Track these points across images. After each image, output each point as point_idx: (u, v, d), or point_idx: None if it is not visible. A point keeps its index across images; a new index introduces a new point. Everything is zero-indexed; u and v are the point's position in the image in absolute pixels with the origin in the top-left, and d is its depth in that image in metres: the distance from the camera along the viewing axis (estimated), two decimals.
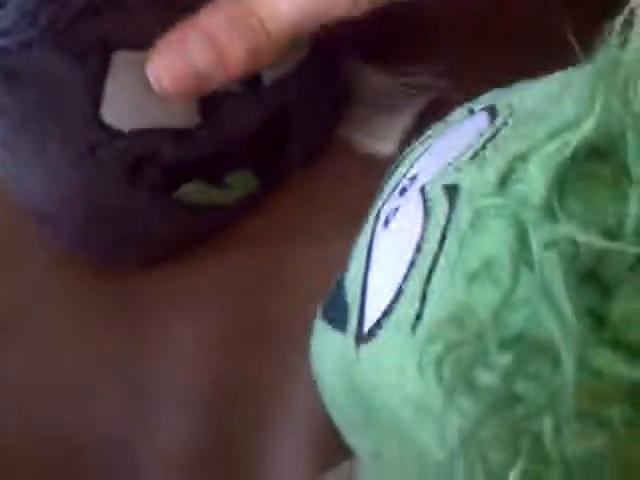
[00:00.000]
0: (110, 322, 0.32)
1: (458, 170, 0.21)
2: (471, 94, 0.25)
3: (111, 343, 0.32)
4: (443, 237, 0.20)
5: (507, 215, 0.19)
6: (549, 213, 0.18)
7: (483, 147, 0.21)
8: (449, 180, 0.21)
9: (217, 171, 0.31)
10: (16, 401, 0.31)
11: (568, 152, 0.18)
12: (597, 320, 0.17)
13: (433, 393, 0.19)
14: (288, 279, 0.32)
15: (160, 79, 0.28)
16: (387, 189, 0.24)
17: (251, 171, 0.32)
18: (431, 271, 0.20)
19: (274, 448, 0.29)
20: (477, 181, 0.20)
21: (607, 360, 0.17)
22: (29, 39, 0.29)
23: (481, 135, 0.21)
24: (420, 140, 0.25)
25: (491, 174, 0.19)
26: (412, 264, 0.20)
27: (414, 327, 0.20)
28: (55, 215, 0.31)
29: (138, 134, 0.29)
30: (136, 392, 0.31)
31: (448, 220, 0.20)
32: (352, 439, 0.24)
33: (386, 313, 0.21)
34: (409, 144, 0.25)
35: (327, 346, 0.24)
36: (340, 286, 0.24)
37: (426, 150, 0.23)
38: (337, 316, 0.23)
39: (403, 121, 0.34)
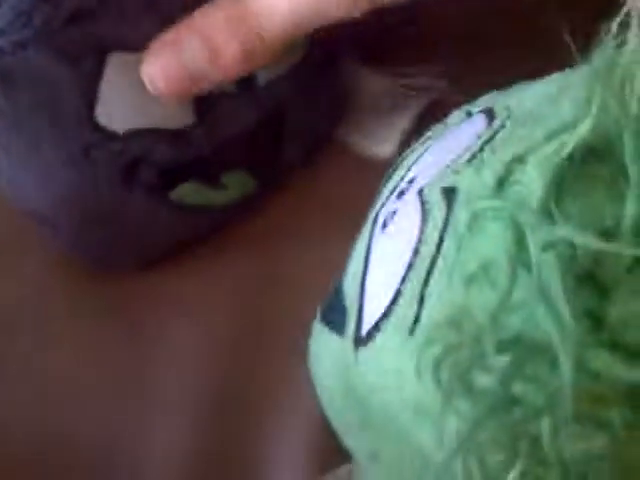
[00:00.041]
0: (107, 324, 0.32)
1: (456, 173, 0.21)
2: (470, 96, 0.25)
3: (108, 345, 0.32)
4: (441, 240, 0.20)
5: (504, 217, 0.19)
6: (546, 215, 0.18)
7: (481, 149, 0.21)
8: (447, 183, 0.21)
9: (213, 171, 0.31)
10: (13, 400, 0.31)
11: (565, 154, 0.18)
12: (595, 322, 0.18)
13: (431, 395, 0.19)
14: (286, 281, 0.32)
15: (155, 80, 0.28)
16: (385, 192, 0.24)
17: (248, 171, 0.32)
18: (429, 274, 0.20)
19: (272, 451, 0.29)
20: (474, 183, 0.20)
21: (605, 362, 0.17)
22: (24, 39, 0.28)
23: (479, 137, 0.21)
24: (419, 142, 0.25)
25: (488, 176, 0.19)
26: (410, 267, 0.20)
27: (412, 330, 0.20)
28: (52, 216, 0.31)
29: (133, 135, 0.29)
30: (133, 394, 0.31)
31: (446, 223, 0.20)
32: (350, 441, 0.24)
33: (384, 316, 0.21)
34: (408, 146, 0.25)
35: (325, 348, 0.24)
36: (338, 289, 0.24)
37: (424, 153, 0.23)
38: (335, 318, 0.23)
39: (402, 123, 0.34)
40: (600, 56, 0.19)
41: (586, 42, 0.19)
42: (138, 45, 0.28)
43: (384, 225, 0.22)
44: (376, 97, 0.35)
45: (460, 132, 0.23)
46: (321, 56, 0.32)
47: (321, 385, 0.24)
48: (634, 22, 0.19)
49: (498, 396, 0.18)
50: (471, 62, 0.33)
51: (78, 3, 0.28)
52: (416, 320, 0.20)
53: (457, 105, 0.25)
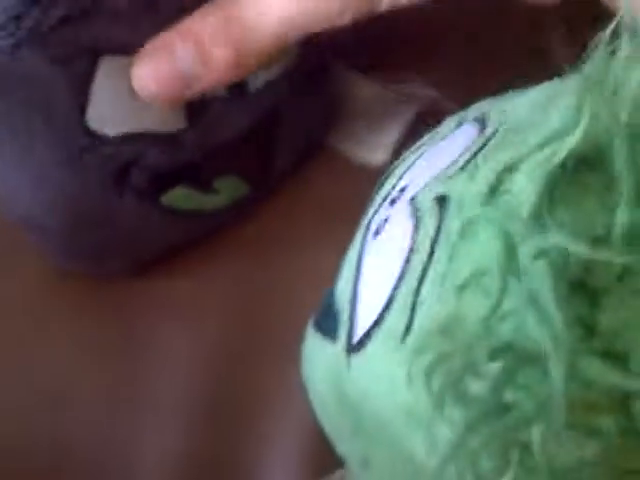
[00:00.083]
0: (99, 328, 0.32)
1: (448, 181, 0.21)
2: (462, 103, 0.25)
3: (101, 349, 0.32)
4: (432, 248, 0.20)
5: (496, 225, 0.19)
6: (538, 222, 0.18)
7: (473, 157, 0.21)
8: (439, 190, 0.21)
9: (204, 176, 0.31)
10: (10, 406, 0.31)
11: (557, 162, 0.18)
12: (586, 329, 0.18)
13: (423, 403, 0.19)
14: (279, 287, 0.32)
15: (145, 83, 0.28)
16: (378, 199, 0.24)
17: (239, 176, 0.32)
18: (421, 281, 0.20)
19: (266, 457, 0.29)
20: (466, 191, 0.20)
21: (597, 370, 0.17)
22: (18, 41, 0.28)
23: (471, 145, 0.21)
24: (411, 150, 0.25)
25: (480, 184, 0.19)
26: (402, 274, 0.20)
27: (404, 337, 0.20)
28: (43, 220, 0.30)
29: (124, 139, 0.29)
30: (126, 398, 0.31)
31: (438, 231, 0.20)
32: (342, 447, 0.24)
33: (376, 323, 0.21)
34: (400, 153, 0.25)
35: (318, 355, 0.24)
36: (331, 296, 0.24)
37: (416, 160, 0.23)
38: (328, 325, 0.23)
39: (394, 130, 0.34)
40: (591, 64, 0.19)
41: (578, 50, 0.20)
42: (133, 48, 0.28)
43: (376, 232, 0.22)
44: (368, 104, 0.35)
45: (452, 140, 0.23)
46: (313, 62, 0.32)
47: (314, 391, 0.24)
48: (625, 31, 0.19)
49: (490, 403, 0.18)
50: (463, 69, 0.33)
51: (68, 9, 0.28)
52: (408, 328, 0.20)
53: (449, 112, 0.25)
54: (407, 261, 0.20)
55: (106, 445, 0.30)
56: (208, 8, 0.28)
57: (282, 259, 0.32)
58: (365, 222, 0.24)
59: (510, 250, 0.18)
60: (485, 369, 0.18)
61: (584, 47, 0.19)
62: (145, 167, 0.30)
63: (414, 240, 0.21)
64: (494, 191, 0.19)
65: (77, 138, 0.29)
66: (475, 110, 0.24)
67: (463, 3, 0.28)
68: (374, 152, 0.34)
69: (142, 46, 0.28)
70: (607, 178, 0.18)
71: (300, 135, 0.33)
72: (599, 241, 0.18)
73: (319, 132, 0.34)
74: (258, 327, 0.31)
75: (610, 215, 0.18)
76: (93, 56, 0.29)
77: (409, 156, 0.24)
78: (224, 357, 0.31)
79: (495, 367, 0.18)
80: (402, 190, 0.23)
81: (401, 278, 0.20)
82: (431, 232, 0.20)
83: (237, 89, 0.30)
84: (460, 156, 0.21)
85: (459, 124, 0.24)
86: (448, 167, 0.21)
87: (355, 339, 0.21)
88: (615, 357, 0.17)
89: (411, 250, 0.21)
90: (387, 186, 0.24)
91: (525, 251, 0.18)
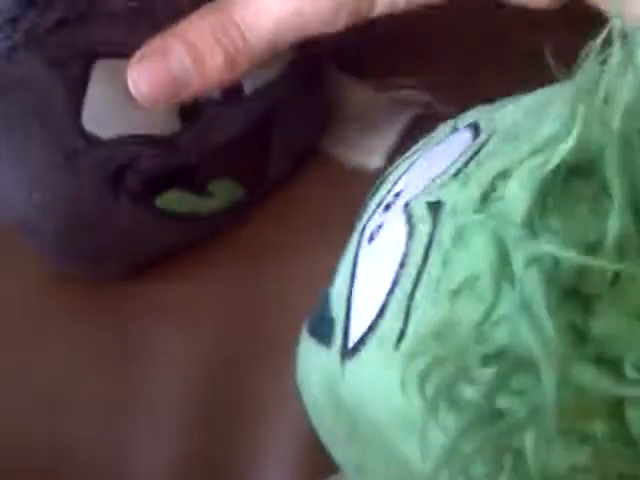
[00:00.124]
0: (94, 331, 0.32)
1: (441, 187, 0.21)
2: (457, 108, 0.25)
3: (100, 353, 0.32)
4: (426, 254, 0.20)
5: (489, 232, 0.19)
6: (530, 230, 0.18)
7: (466, 164, 0.21)
8: (432, 197, 0.21)
9: (199, 179, 0.31)
10: (8, 408, 0.31)
11: (549, 169, 0.18)
12: (579, 336, 0.18)
13: (417, 409, 0.19)
14: (273, 291, 0.32)
15: (139, 86, 0.28)
16: (372, 205, 0.24)
17: (234, 180, 0.32)
18: (415, 287, 0.20)
19: (261, 460, 0.29)
20: (460, 198, 0.20)
21: (590, 376, 0.17)
22: (14, 44, 0.29)
23: (465, 152, 0.21)
24: (405, 156, 0.25)
25: (474, 191, 0.20)
26: (396, 280, 0.21)
27: (398, 343, 0.20)
28: (38, 223, 0.30)
29: (119, 142, 0.29)
30: (124, 402, 0.31)
31: (431, 237, 0.20)
32: (337, 453, 0.24)
33: (370, 329, 0.21)
34: (395, 158, 0.25)
35: (312, 361, 0.24)
36: (325, 301, 0.24)
37: (410, 167, 0.24)
38: (322, 331, 0.23)
39: (389, 134, 0.34)
40: (583, 73, 0.19)
41: (570, 59, 0.20)
42: (129, 50, 0.28)
43: (371, 238, 0.23)
44: (362, 108, 0.35)
45: (446, 146, 0.23)
46: (307, 66, 0.32)
47: (308, 397, 0.24)
48: (617, 40, 0.19)
49: (483, 409, 0.18)
50: (458, 73, 0.33)
51: (64, 11, 0.28)
52: (402, 333, 0.20)
53: (444, 118, 0.25)
54: (401, 266, 0.21)
55: (103, 447, 0.30)
56: (205, 10, 0.28)
57: (276, 263, 0.32)
58: (359, 227, 0.24)
59: (503, 256, 0.18)
60: (478, 374, 0.18)
61: (575, 55, 0.19)
62: (140, 170, 0.30)
63: (408, 246, 0.21)
64: (487, 198, 0.19)
65: (73, 140, 0.29)
66: (469, 116, 0.24)
67: (460, 7, 0.28)
68: (368, 156, 0.34)
69: (138, 49, 0.28)
70: (599, 185, 0.19)
71: (295, 138, 0.33)
72: (591, 248, 0.18)
73: (314, 135, 0.34)
74: (253, 330, 0.32)
75: (602, 222, 0.18)
76: (89, 59, 0.29)
77: (404, 162, 0.24)
78: (219, 360, 0.31)
79: (488, 372, 0.18)
80: (397, 195, 0.23)
81: (395, 283, 0.20)
82: (425, 238, 0.20)
83: (232, 93, 0.30)
84: (454, 162, 0.21)
85: (454, 129, 0.24)
86: (442, 173, 0.21)
87: (350, 344, 0.22)
88: (608, 363, 0.17)
89: (405, 256, 0.21)
90: (382, 191, 0.24)
91: (518, 258, 0.18)
